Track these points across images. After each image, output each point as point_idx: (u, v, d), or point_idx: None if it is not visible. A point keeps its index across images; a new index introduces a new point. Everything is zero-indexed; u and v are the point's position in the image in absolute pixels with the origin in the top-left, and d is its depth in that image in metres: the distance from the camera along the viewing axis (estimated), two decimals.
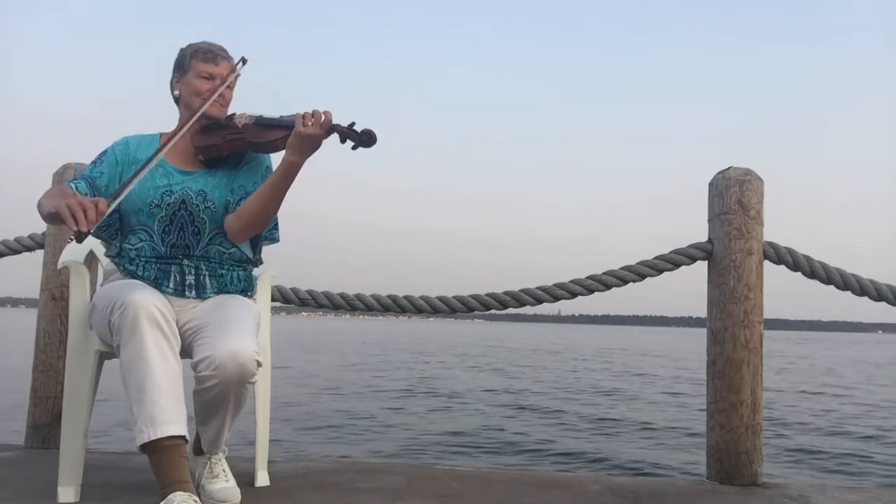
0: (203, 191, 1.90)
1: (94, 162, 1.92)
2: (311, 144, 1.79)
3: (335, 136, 1.81)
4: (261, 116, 1.94)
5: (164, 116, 2.02)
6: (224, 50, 1.97)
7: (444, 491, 2.06)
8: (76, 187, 1.82)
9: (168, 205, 1.86)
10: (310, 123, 1.78)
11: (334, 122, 1.80)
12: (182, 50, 1.97)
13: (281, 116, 1.93)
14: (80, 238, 1.56)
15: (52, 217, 1.66)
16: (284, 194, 1.85)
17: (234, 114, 1.98)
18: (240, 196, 1.93)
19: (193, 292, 1.85)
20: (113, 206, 1.66)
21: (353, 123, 1.80)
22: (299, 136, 1.78)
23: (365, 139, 1.80)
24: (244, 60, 1.98)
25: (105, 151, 1.94)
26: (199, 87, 1.92)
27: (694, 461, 5.23)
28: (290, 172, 1.82)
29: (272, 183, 1.84)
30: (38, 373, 2.54)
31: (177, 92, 1.96)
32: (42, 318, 2.56)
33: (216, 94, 1.92)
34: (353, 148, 1.81)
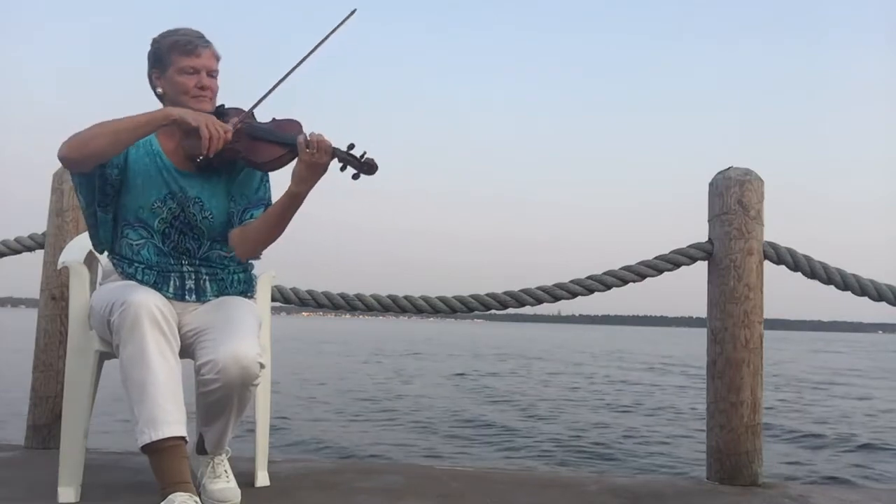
0: (199, 199, 1.83)
1: None
2: (318, 173, 1.69)
3: (335, 163, 1.70)
4: (253, 123, 1.82)
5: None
6: (202, 37, 1.83)
7: (444, 491, 2.07)
8: None
9: (169, 209, 1.82)
10: (315, 152, 1.66)
11: (334, 145, 1.69)
12: (156, 42, 1.82)
13: (273, 119, 1.84)
14: (200, 164, 1.70)
15: (146, 126, 1.67)
16: (291, 219, 1.76)
17: (223, 106, 1.86)
18: (242, 207, 1.85)
19: (193, 296, 1.84)
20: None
21: (352, 146, 1.70)
22: (306, 166, 1.67)
23: (366, 168, 1.70)
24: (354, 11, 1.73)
25: None
26: (185, 84, 1.78)
27: (693, 461, 5.23)
28: (295, 202, 1.72)
29: (277, 211, 1.75)
30: (38, 373, 2.54)
31: (160, 90, 1.83)
32: (42, 318, 2.55)
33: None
34: (355, 177, 1.71)
